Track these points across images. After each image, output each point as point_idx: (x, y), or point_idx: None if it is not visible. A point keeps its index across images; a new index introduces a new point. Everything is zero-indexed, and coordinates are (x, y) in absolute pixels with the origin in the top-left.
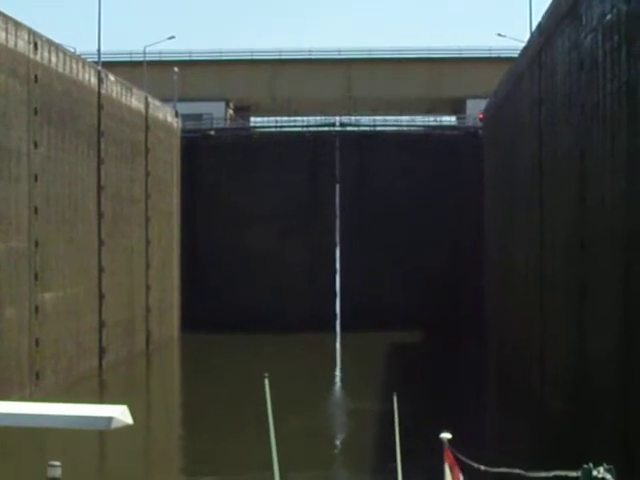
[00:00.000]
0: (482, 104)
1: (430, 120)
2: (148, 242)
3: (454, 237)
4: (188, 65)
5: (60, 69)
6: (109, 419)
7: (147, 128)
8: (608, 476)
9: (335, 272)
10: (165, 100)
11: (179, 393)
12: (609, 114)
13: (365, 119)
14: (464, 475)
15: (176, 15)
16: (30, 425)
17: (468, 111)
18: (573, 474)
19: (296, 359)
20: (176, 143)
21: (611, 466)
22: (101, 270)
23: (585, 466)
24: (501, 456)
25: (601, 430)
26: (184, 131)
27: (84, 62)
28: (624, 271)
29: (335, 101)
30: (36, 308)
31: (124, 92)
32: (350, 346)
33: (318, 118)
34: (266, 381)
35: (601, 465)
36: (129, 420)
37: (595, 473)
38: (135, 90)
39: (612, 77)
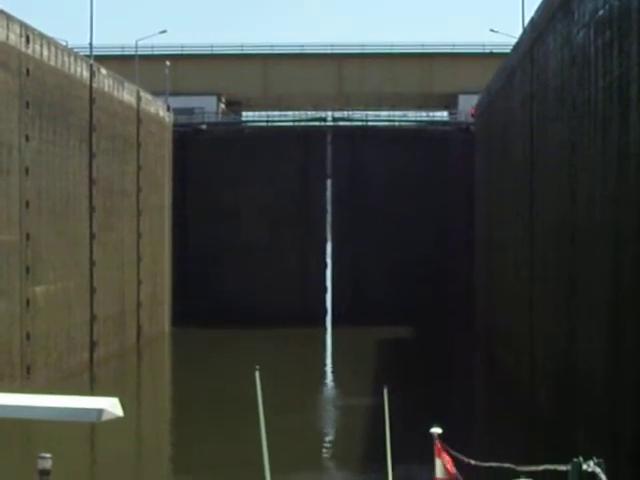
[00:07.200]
0: (474, 100)
1: (422, 115)
2: (139, 236)
3: (445, 232)
4: (180, 59)
5: (52, 62)
6: (100, 411)
7: (139, 122)
8: (598, 470)
9: (326, 267)
10: (157, 94)
11: (169, 387)
12: (600, 110)
13: (357, 114)
14: (457, 467)
15: (168, 9)
16: (20, 417)
17: (460, 107)
18: (563, 468)
19: (287, 354)
20: (168, 137)
21: (601, 460)
22: (92, 264)
23: (575, 460)
24: (492, 450)
25: (590, 423)
26: (176, 125)
27: (76, 56)
28: (613, 265)
29: (327, 96)
30: (27, 302)
31: (116, 86)
32: (341, 341)
33: (310, 113)
34: (257, 373)
35: (591, 459)
36: (119, 412)
37: (585, 467)
38: (127, 84)
39: (604, 73)
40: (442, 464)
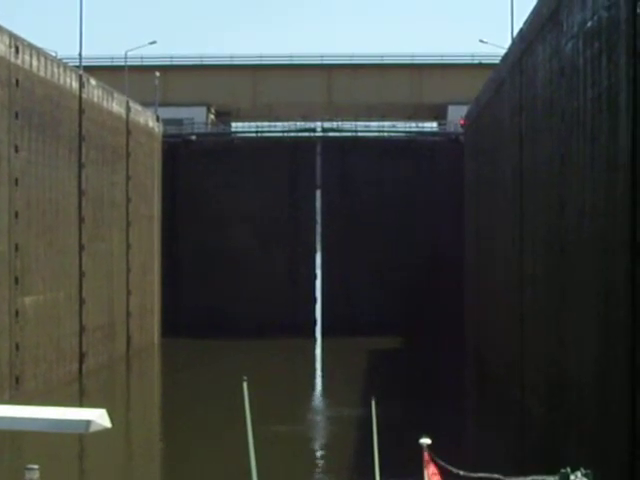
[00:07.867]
0: (463, 110)
1: (412, 126)
2: (129, 246)
3: (435, 243)
4: (169, 70)
5: (41, 73)
6: (87, 422)
7: (128, 133)
8: None
9: (315, 277)
10: (146, 105)
11: (158, 398)
12: (589, 120)
13: (347, 125)
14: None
15: (158, 20)
16: (8, 428)
17: (449, 117)
18: (551, 478)
19: (276, 365)
20: (157, 148)
21: (589, 471)
22: (81, 274)
23: (562, 470)
24: (481, 461)
25: (580, 434)
26: (165, 136)
27: (65, 66)
28: (603, 276)
29: (316, 107)
30: (16, 312)
31: (105, 96)
32: (330, 352)
33: (299, 124)
34: (244, 384)
35: (578, 469)
36: (107, 423)
37: (572, 478)
38: (116, 94)
39: (593, 83)
40: (429, 475)
